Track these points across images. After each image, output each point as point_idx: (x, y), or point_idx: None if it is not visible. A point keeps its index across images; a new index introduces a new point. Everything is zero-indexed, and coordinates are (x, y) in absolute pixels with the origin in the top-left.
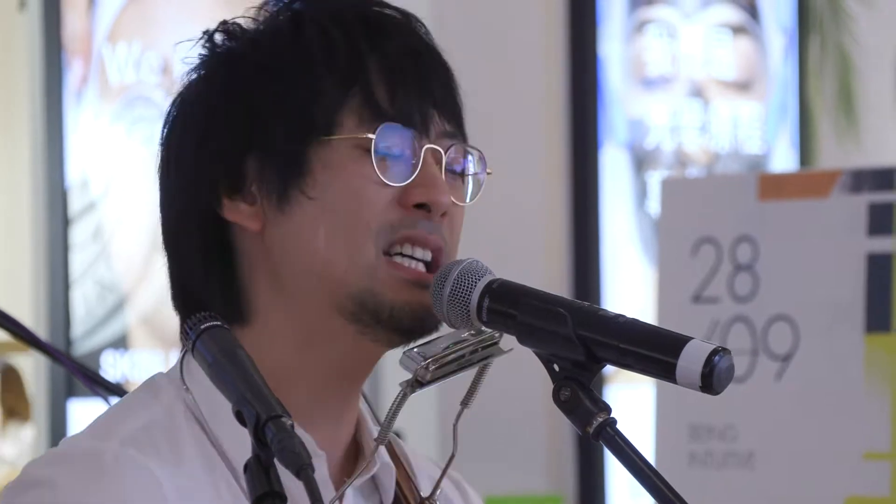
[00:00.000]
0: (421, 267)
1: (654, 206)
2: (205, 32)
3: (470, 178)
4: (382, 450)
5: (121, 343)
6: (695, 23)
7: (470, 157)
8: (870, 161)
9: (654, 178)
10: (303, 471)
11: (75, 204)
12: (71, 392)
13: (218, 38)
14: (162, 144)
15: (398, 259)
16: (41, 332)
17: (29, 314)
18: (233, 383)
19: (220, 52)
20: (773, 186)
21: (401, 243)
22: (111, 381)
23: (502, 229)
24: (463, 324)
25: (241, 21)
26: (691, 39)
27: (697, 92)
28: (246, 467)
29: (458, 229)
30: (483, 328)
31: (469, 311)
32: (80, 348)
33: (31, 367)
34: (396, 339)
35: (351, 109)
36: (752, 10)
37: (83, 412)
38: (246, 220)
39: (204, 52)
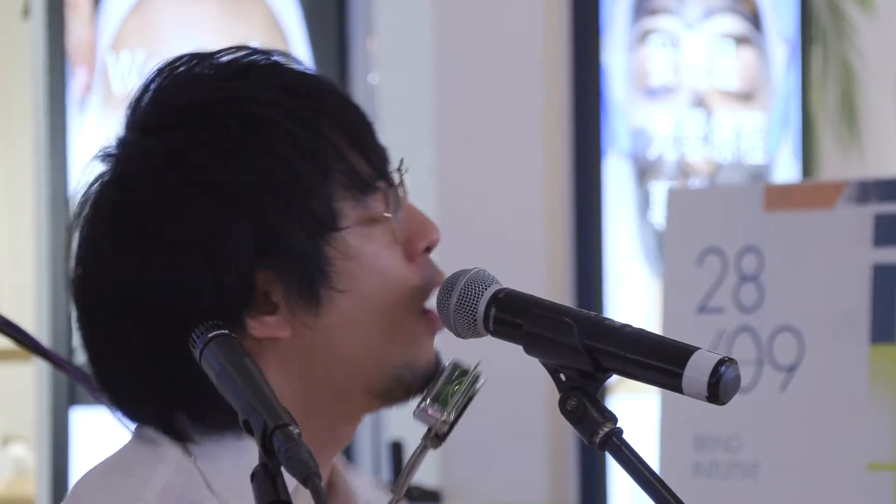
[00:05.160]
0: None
1: (656, 216)
2: (105, 150)
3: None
4: (365, 493)
5: None
6: (698, 33)
7: (402, 168)
8: (872, 171)
9: (657, 189)
10: (310, 479)
11: None
12: (73, 400)
13: (159, 157)
14: (123, 262)
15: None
16: (43, 339)
17: (31, 322)
18: (240, 392)
19: (174, 174)
20: (778, 197)
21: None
22: None
23: (504, 239)
24: (469, 333)
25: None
26: (694, 49)
27: (700, 102)
28: (253, 476)
29: None
30: (463, 364)
31: (476, 320)
32: (82, 356)
33: (34, 375)
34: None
35: (341, 191)
36: (755, 21)
37: (85, 421)
38: (275, 331)
39: (135, 164)
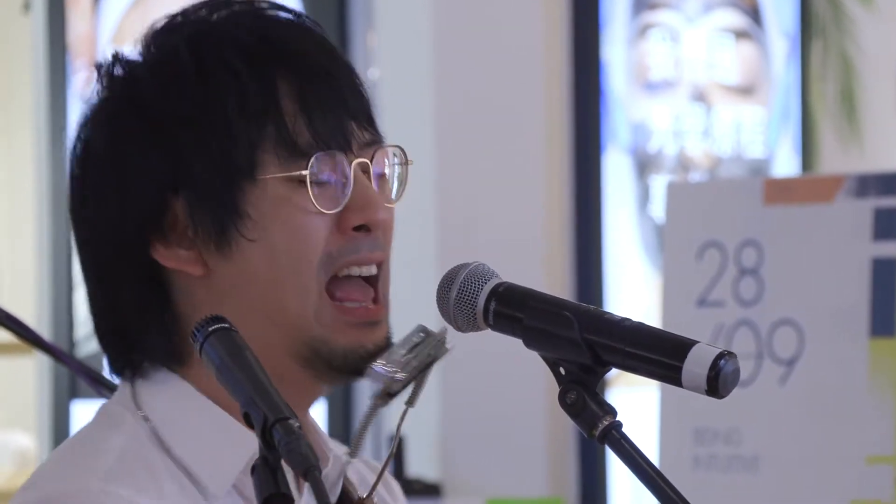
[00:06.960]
0: (369, 303)
1: (656, 210)
2: (97, 66)
3: (396, 177)
4: (336, 447)
5: None
6: (698, 27)
7: (390, 156)
8: (872, 165)
9: (657, 183)
10: (310, 472)
11: None
12: (74, 394)
13: (118, 72)
14: (75, 179)
15: (347, 303)
16: (45, 333)
17: (32, 315)
18: (240, 385)
19: (123, 93)
20: (778, 191)
21: (347, 267)
22: (114, 383)
23: (505, 233)
24: (469, 327)
25: (136, 51)
26: (694, 44)
27: (700, 96)
28: (253, 469)
29: (393, 230)
30: (429, 329)
31: (475, 314)
32: (84, 350)
33: (35, 369)
34: (348, 380)
35: (269, 147)
36: (755, 15)
37: (86, 414)
38: (186, 265)
39: (104, 87)
